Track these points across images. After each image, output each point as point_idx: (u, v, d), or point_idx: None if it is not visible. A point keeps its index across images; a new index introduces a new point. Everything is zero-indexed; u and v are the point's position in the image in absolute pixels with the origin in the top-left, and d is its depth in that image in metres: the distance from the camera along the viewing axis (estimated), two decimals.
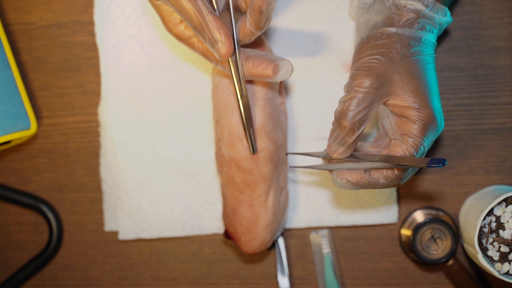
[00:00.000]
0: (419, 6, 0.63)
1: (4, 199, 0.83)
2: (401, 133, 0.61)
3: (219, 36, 0.61)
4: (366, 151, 0.68)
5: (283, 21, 0.78)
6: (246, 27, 0.65)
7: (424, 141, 0.61)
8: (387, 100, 0.62)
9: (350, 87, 0.61)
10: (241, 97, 0.67)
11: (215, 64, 0.67)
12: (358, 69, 0.62)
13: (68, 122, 0.83)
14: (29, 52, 0.83)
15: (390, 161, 0.60)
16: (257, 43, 0.73)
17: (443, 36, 0.78)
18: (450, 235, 0.74)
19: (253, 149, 0.69)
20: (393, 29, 0.62)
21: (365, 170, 0.62)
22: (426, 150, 0.62)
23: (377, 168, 0.62)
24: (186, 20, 0.62)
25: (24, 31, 0.83)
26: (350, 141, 0.61)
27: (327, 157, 0.65)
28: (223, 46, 0.61)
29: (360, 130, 0.61)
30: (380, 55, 0.61)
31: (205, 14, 0.61)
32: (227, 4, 0.66)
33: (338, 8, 0.77)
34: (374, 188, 0.63)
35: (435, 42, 0.64)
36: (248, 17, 0.64)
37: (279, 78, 0.66)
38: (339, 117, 0.61)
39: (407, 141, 0.61)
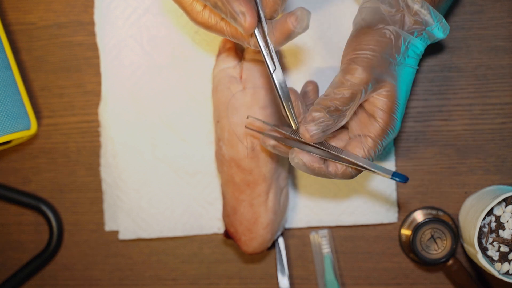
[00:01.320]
0: (429, 18, 0.62)
1: (4, 199, 0.83)
2: (363, 133, 0.62)
3: (240, 7, 0.57)
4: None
5: None
6: None
7: (382, 144, 0.62)
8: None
9: (345, 79, 0.60)
10: (273, 71, 0.62)
11: (248, 45, 0.63)
12: (356, 61, 0.61)
13: (68, 122, 0.83)
14: (29, 52, 0.83)
15: (355, 162, 0.61)
16: None
17: None
18: (450, 235, 0.74)
19: (297, 124, 0.63)
20: (400, 32, 0.62)
21: (324, 160, 0.63)
22: (381, 152, 0.63)
23: (335, 161, 0.62)
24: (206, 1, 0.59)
25: (24, 31, 0.83)
26: (331, 130, 0.61)
27: (294, 136, 0.63)
28: (246, 17, 0.58)
29: (344, 122, 0.61)
30: (381, 53, 0.61)
31: None
32: None
33: (338, 8, 0.77)
34: (325, 178, 0.64)
35: (423, 52, 0.65)
36: None
37: (299, 26, 0.60)
38: (329, 106, 0.60)
39: (368, 142, 0.62)
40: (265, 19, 0.61)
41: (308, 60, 0.78)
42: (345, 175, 0.63)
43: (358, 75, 0.60)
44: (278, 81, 0.61)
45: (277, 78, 0.61)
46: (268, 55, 0.61)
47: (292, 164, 0.63)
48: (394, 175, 0.60)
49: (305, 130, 0.60)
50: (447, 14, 0.77)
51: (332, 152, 0.62)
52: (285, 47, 0.78)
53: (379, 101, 0.62)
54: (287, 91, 0.62)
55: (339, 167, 0.63)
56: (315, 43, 0.77)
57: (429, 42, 0.64)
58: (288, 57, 0.78)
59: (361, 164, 0.61)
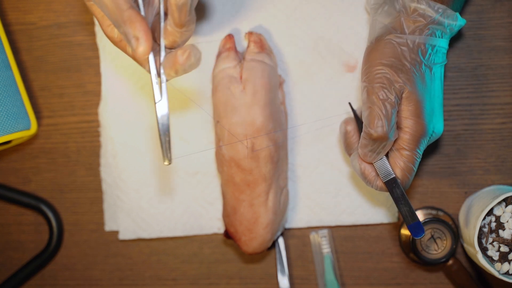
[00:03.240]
0: (429, 12, 0.62)
1: (4, 199, 0.83)
2: (398, 147, 0.63)
3: (136, 32, 0.56)
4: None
5: (283, 22, 0.78)
6: (167, 27, 0.59)
7: (418, 153, 0.64)
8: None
9: (371, 103, 0.61)
10: (158, 101, 0.59)
11: (145, 68, 0.61)
12: (372, 81, 0.62)
13: (68, 122, 0.83)
14: (29, 52, 0.83)
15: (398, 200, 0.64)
16: (257, 42, 0.73)
17: None
18: (450, 235, 0.74)
19: (169, 160, 0.59)
20: (402, 37, 0.62)
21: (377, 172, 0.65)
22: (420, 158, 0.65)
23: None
24: (107, 15, 0.58)
25: (24, 31, 0.83)
26: (385, 150, 0.63)
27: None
28: (139, 43, 0.56)
29: (393, 138, 0.62)
30: (390, 66, 0.62)
31: (124, 9, 0.57)
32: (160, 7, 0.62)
33: (339, 8, 0.77)
34: (366, 184, 0.66)
35: (447, 47, 0.64)
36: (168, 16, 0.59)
37: (187, 63, 0.58)
38: (373, 133, 0.61)
39: (403, 154, 0.63)
40: (165, 47, 0.60)
41: (308, 60, 0.78)
42: (382, 189, 0.66)
43: (381, 91, 0.61)
44: (160, 113, 0.59)
45: (160, 109, 0.59)
46: (157, 84, 0.59)
47: (351, 164, 0.67)
48: (412, 226, 0.63)
49: (364, 157, 0.64)
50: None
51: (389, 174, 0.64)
52: (285, 47, 0.78)
53: (400, 110, 0.63)
54: (167, 124, 0.59)
55: (381, 185, 0.65)
56: (316, 43, 0.77)
57: (448, 34, 0.64)
58: (288, 57, 0.78)
59: (394, 202, 0.64)
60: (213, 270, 0.81)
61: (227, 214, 0.74)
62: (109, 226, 0.82)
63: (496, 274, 0.67)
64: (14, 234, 0.84)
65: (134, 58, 0.61)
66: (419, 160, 0.64)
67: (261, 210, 0.72)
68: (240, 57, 0.74)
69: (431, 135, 0.64)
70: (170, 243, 0.82)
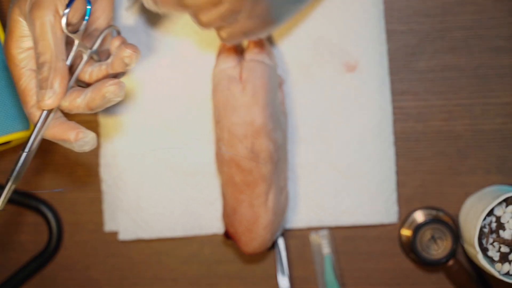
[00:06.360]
0: None
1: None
2: None
3: (56, 85, 0.57)
4: None
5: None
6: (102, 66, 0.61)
7: None
8: None
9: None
10: (25, 151, 0.59)
11: (25, 108, 0.60)
12: None
13: None
14: None
15: None
16: (257, 42, 0.73)
17: (443, 36, 0.77)
18: (450, 236, 0.74)
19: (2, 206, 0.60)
20: None
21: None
22: None
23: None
24: (37, 52, 0.58)
25: None
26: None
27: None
28: (53, 95, 0.57)
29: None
30: None
31: (60, 59, 0.57)
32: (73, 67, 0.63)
33: (339, 8, 0.77)
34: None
35: None
36: (110, 61, 0.61)
37: (78, 145, 0.60)
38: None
39: None
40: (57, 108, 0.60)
41: (308, 60, 0.78)
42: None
43: None
44: (22, 161, 0.59)
45: (25, 158, 0.59)
46: (35, 136, 0.59)
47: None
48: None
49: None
50: (446, 13, 0.77)
51: None
52: (285, 47, 0.78)
53: None
54: (22, 173, 0.60)
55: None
56: (315, 43, 0.77)
57: None
58: (288, 57, 0.78)
59: None
60: (213, 270, 0.81)
61: (227, 215, 0.74)
62: (109, 226, 0.82)
63: (496, 274, 0.67)
64: (14, 234, 0.84)
65: (22, 93, 0.60)
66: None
67: (261, 211, 0.72)
68: (240, 57, 0.74)
69: None
70: (170, 244, 0.82)
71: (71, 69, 0.61)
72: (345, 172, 0.78)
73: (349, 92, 0.77)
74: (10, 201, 0.83)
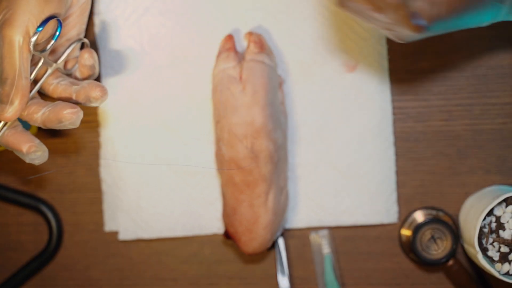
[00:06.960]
0: None
1: (4, 199, 0.83)
2: None
3: (16, 99, 0.59)
4: None
5: (283, 21, 0.77)
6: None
7: None
8: None
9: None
10: None
11: None
12: None
13: None
14: None
15: None
16: (257, 42, 0.73)
17: (443, 36, 0.77)
18: (450, 235, 0.74)
19: None
20: None
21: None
22: None
23: None
24: (1, 67, 0.59)
25: None
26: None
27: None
28: (12, 109, 0.59)
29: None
30: None
31: (23, 77, 0.59)
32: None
33: (338, 8, 0.77)
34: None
35: None
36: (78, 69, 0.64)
37: (29, 158, 0.62)
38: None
39: None
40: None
41: (308, 60, 0.78)
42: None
43: None
44: None
45: None
46: None
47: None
48: None
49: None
50: None
51: None
52: (285, 47, 0.78)
53: None
54: None
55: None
56: (315, 43, 0.77)
57: None
58: (288, 57, 0.78)
59: None
60: (213, 270, 0.81)
61: (227, 215, 0.74)
62: (109, 226, 0.82)
63: (496, 274, 0.67)
64: (14, 234, 0.84)
65: None
66: None
67: (261, 211, 0.72)
68: (240, 57, 0.74)
69: None
70: (170, 243, 0.82)
71: (35, 80, 0.63)
72: (345, 172, 0.78)
73: (349, 92, 0.77)
74: (10, 201, 0.83)
